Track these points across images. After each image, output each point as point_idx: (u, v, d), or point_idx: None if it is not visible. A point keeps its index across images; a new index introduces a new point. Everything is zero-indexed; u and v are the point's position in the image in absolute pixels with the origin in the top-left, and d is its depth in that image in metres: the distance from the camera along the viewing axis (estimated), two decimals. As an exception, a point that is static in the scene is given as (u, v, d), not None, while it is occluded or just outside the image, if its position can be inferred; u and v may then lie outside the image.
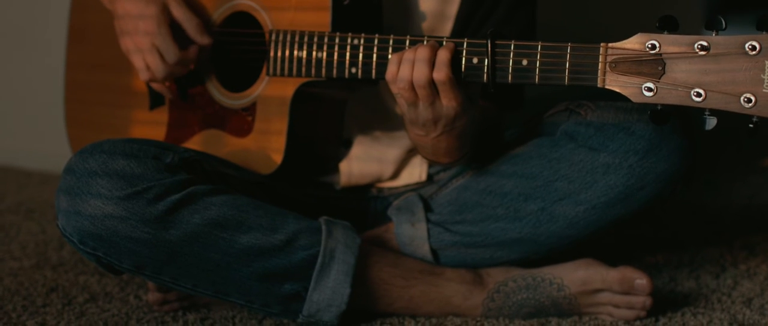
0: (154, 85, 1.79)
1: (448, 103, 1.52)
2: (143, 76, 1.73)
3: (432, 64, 1.50)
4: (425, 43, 1.53)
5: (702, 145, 1.69)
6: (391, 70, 1.53)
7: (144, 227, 1.52)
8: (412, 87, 1.51)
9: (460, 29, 1.75)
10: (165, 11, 1.71)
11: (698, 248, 2.05)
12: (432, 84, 1.50)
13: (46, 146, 2.82)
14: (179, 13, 1.72)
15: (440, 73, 1.49)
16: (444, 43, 1.52)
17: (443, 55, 1.50)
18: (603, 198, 1.61)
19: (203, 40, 1.73)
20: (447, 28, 1.75)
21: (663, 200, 1.62)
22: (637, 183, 1.59)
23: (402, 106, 1.55)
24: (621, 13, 4.53)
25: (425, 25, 1.74)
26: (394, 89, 1.54)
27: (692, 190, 1.65)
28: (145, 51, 1.71)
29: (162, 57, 1.70)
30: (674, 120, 1.51)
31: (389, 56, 1.56)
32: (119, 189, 1.52)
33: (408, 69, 1.51)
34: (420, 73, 1.50)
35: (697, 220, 2.28)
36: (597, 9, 4.34)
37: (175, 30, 1.72)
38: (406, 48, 1.55)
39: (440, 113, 1.53)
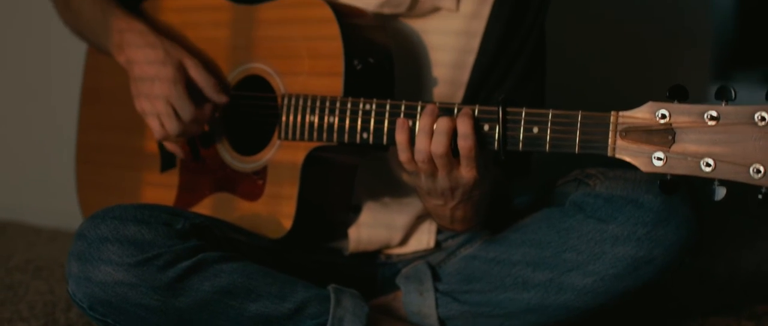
0: (168, 145, 1.81)
1: (467, 172, 1.52)
2: (158, 135, 1.75)
3: (451, 133, 1.50)
4: (429, 106, 1.53)
5: (709, 211, 1.69)
6: (401, 141, 1.54)
7: (154, 294, 1.53)
8: (430, 158, 1.52)
9: (472, 96, 1.76)
10: (181, 70, 1.73)
11: (706, 316, 2.04)
12: (451, 153, 1.51)
13: (55, 203, 2.82)
14: (196, 74, 1.74)
15: (466, 142, 1.49)
16: (456, 109, 1.53)
17: (465, 126, 1.50)
18: (611, 270, 1.61)
19: (221, 98, 1.75)
20: (459, 95, 1.76)
21: (671, 272, 1.62)
22: (645, 256, 1.59)
23: (419, 178, 1.56)
24: (629, 68, 4.55)
25: (437, 91, 1.76)
26: (409, 166, 1.54)
27: (700, 257, 1.65)
28: (161, 112, 1.72)
29: (177, 115, 1.72)
30: (683, 191, 1.52)
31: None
32: (130, 256, 1.52)
33: (426, 140, 1.51)
34: (439, 145, 1.50)
35: (705, 288, 2.28)
36: (605, 65, 4.36)
37: (190, 89, 1.74)
38: (418, 114, 1.55)
39: (459, 182, 1.54)
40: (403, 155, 1.55)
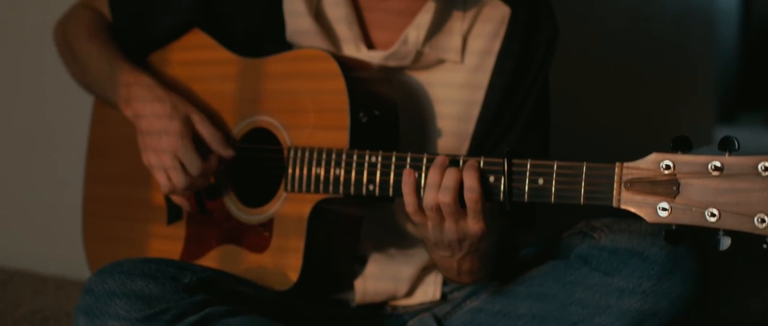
0: (174, 198, 1.82)
1: (474, 224, 1.53)
2: (164, 188, 1.76)
3: (458, 185, 1.51)
4: (438, 158, 1.54)
5: (715, 260, 1.69)
6: (408, 193, 1.55)
7: (162, 349, 1.53)
8: (438, 208, 1.53)
9: (477, 148, 1.77)
10: (188, 124, 1.75)
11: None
12: (458, 205, 1.52)
13: (62, 251, 2.83)
14: (203, 128, 1.75)
15: (473, 194, 1.51)
16: (461, 161, 1.54)
17: (471, 179, 1.51)
18: (617, 323, 1.61)
19: (226, 152, 1.76)
20: (464, 147, 1.77)
21: (677, 324, 1.62)
22: (651, 309, 1.59)
23: (426, 229, 1.57)
24: (634, 109, 4.57)
25: (442, 143, 1.77)
26: (417, 218, 1.55)
27: (706, 308, 1.65)
28: (167, 165, 1.74)
29: (184, 169, 1.73)
30: (688, 242, 1.52)
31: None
32: (137, 311, 1.53)
33: (434, 193, 1.52)
34: (447, 196, 1.51)
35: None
36: (610, 106, 4.37)
37: (197, 142, 1.75)
38: (424, 166, 1.57)
39: (466, 234, 1.55)
40: (410, 206, 1.56)
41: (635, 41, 4.57)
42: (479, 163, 1.53)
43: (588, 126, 4.11)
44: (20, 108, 2.99)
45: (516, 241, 1.84)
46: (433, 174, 1.53)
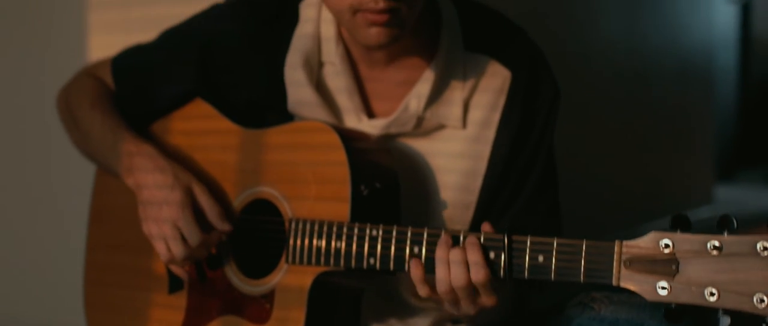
0: (173, 268, 1.82)
1: (487, 299, 1.55)
2: (164, 258, 1.76)
3: (466, 263, 1.53)
4: (443, 235, 1.56)
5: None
6: (417, 276, 1.56)
7: None
8: (452, 289, 1.54)
9: (481, 217, 1.77)
10: (189, 195, 1.76)
11: None
12: (471, 284, 1.53)
13: (63, 320, 2.83)
14: (203, 200, 1.76)
15: (479, 272, 1.52)
16: (462, 236, 1.55)
17: (475, 256, 1.52)
18: None
19: (224, 226, 1.76)
20: (467, 217, 1.78)
21: None
22: None
23: (442, 304, 1.58)
24: (635, 168, 4.58)
25: (445, 214, 1.77)
26: (433, 297, 1.56)
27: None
28: (168, 235, 1.74)
29: (184, 239, 1.74)
30: (688, 321, 1.52)
31: (406, 249, 1.59)
32: None
33: (445, 270, 1.54)
34: (459, 278, 1.53)
35: None
36: (611, 166, 4.38)
37: (198, 213, 1.76)
38: (424, 240, 1.57)
39: (481, 307, 1.57)
40: (422, 290, 1.57)
41: (635, 100, 4.60)
42: (480, 239, 1.53)
43: (588, 185, 4.12)
44: (23, 176, 3.00)
45: (525, 297, 1.85)
46: (441, 251, 1.55)
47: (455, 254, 1.53)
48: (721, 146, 6.50)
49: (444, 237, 1.55)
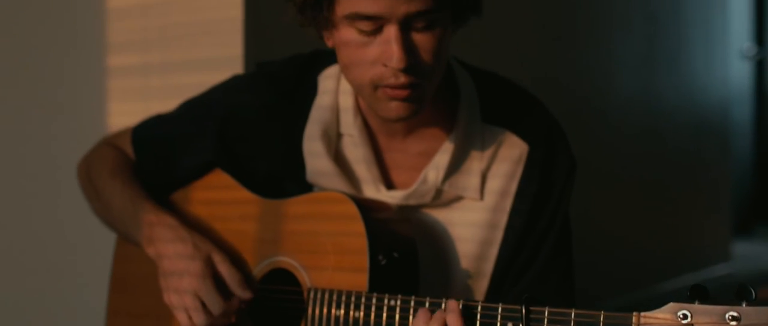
0: (194, 338, 1.83)
1: None
2: (185, 327, 1.78)
3: None
4: (461, 306, 1.56)
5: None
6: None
7: None
8: None
9: (496, 286, 1.79)
10: (209, 264, 1.77)
11: None
12: None
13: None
14: (223, 269, 1.78)
15: None
16: (479, 307, 1.55)
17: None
18: None
19: (245, 293, 1.78)
20: (483, 286, 1.79)
21: None
22: None
23: None
24: (653, 227, 4.57)
25: (462, 283, 1.78)
26: None
27: None
28: (189, 306, 1.75)
29: (206, 309, 1.75)
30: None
31: None
32: None
33: None
34: None
35: None
36: (629, 226, 4.38)
37: (218, 281, 1.77)
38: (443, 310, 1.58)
39: None
40: None
41: (651, 157, 4.60)
42: (497, 309, 1.54)
43: (606, 243, 4.12)
44: (44, 245, 3.01)
45: None
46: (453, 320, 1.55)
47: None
48: (738, 201, 6.49)
49: (453, 305, 1.56)
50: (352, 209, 1.70)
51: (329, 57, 1.80)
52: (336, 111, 1.80)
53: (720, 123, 5.41)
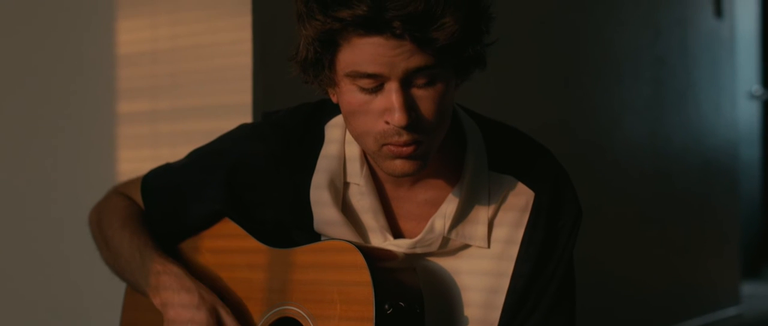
0: (198, 387, 1.84)
1: None
2: (189, 375, 1.78)
3: None
4: None
5: None
6: None
7: None
8: None
9: (501, 333, 1.79)
10: (214, 315, 1.78)
11: None
12: None
13: None
14: (229, 320, 1.79)
15: None
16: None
17: None
18: None
19: None
20: (488, 334, 1.79)
21: None
22: None
23: None
24: (662, 269, 4.56)
25: (469, 331, 1.79)
26: None
27: None
28: None
29: None
30: None
31: None
32: None
33: None
34: None
35: None
36: (637, 270, 4.37)
37: None
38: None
39: None
40: None
41: (660, 199, 4.60)
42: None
43: (615, 285, 4.11)
44: (54, 295, 3.02)
45: None
46: None
47: None
48: (746, 242, 6.48)
49: None
50: (359, 259, 1.71)
51: (336, 106, 1.81)
52: (342, 160, 1.81)
53: (728, 164, 5.41)
